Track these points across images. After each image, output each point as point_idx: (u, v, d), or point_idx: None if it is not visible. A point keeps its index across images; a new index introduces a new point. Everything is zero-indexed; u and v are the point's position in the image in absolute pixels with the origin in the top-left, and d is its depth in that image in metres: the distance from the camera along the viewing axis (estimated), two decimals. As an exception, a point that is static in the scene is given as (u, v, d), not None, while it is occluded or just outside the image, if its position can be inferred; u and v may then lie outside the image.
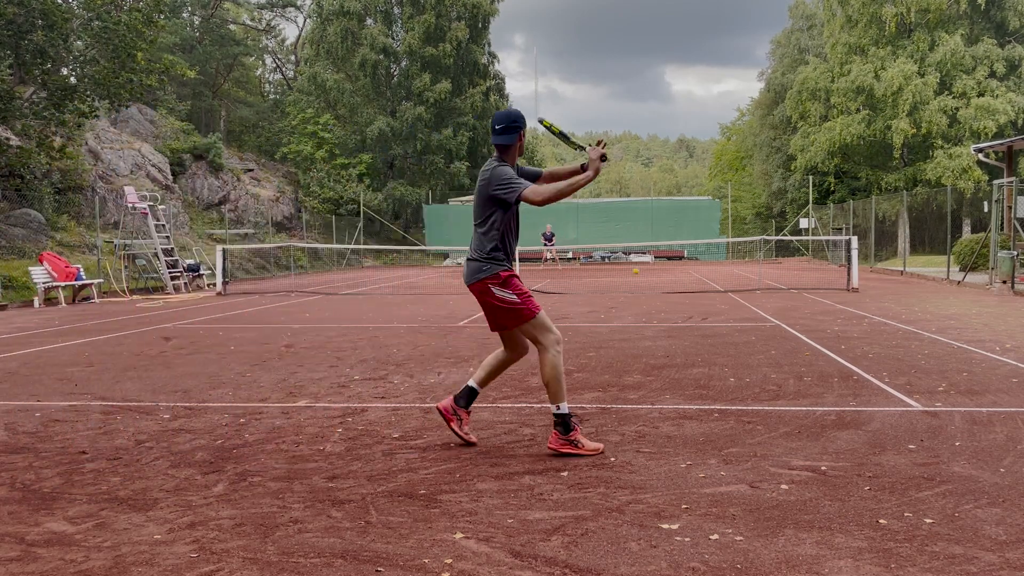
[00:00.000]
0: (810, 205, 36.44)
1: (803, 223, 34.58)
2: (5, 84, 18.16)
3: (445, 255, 39.28)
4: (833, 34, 34.57)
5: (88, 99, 20.14)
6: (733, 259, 38.17)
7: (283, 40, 55.10)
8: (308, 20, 46.94)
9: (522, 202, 4.32)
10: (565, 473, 4.03)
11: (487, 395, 6.03)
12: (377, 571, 2.87)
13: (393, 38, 41.60)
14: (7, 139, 20.84)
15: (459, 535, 3.19)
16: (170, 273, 20.35)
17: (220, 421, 5.33)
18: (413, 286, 21.10)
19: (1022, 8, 31.59)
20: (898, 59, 31.55)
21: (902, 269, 23.47)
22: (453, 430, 4.62)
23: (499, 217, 4.40)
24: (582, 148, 4.46)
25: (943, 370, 6.81)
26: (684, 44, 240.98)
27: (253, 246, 28.85)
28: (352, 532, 3.25)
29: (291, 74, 51.88)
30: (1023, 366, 6.99)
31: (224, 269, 18.88)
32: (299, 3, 48.86)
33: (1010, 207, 16.56)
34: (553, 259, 32.67)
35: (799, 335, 9.32)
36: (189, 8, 45.05)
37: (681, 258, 37.88)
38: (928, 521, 3.27)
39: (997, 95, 30.31)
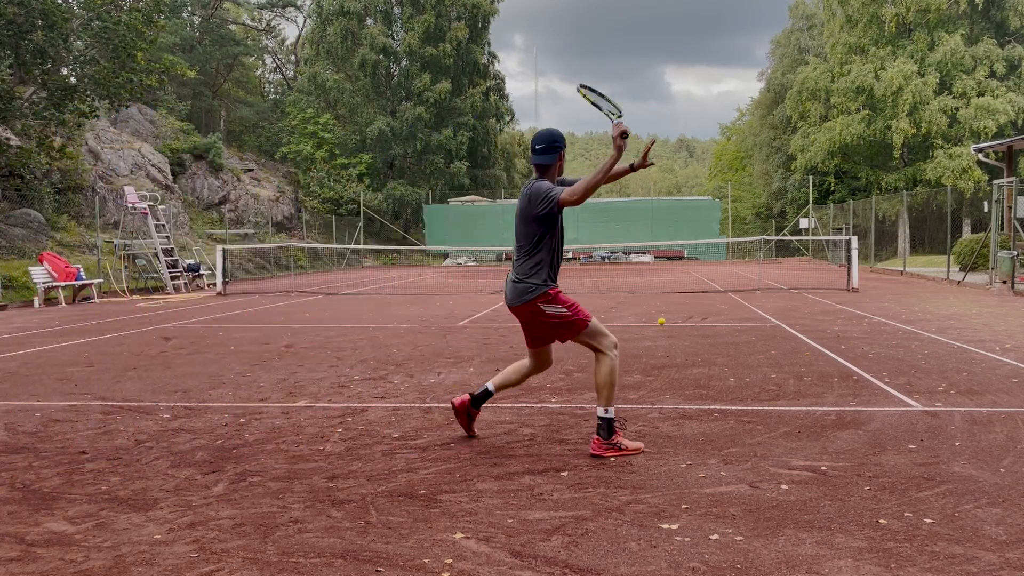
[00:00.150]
0: (810, 205, 36.44)
1: (803, 223, 34.58)
2: (5, 84, 18.16)
3: (445, 255, 39.28)
4: (833, 34, 34.56)
5: (88, 99, 20.14)
6: (733, 259, 38.17)
7: (283, 40, 55.15)
8: (308, 20, 46.97)
9: (565, 208, 4.26)
10: (565, 473, 4.03)
11: (487, 395, 6.03)
12: (377, 571, 2.87)
13: (393, 38, 41.60)
14: (7, 139, 20.83)
15: (459, 535, 3.19)
16: (170, 273, 20.36)
17: (220, 421, 5.33)
18: (413, 286, 21.10)
19: (1022, 8, 31.58)
20: (898, 59, 31.54)
21: (902, 269, 23.47)
22: (462, 424, 4.78)
23: (547, 236, 4.37)
24: (610, 118, 4.29)
25: (943, 370, 6.81)
26: (684, 44, 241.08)
27: (253, 246, 28.85)
28: (352, 532, 3.25)
29: (291, 74, 51.89)
30: (1023, 366, 6.99)
31: (224, 269, 18.87)
32: (299, 3, 48.90)
33: (1010, 207, 16.55)
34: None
35: (799, 335, 9.32)
36: (189, 8, 45.05)
37: (681, 258, 37.88)
38: (928, 521, 3.27)
39: (997, 95, 30.30)
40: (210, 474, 4.11)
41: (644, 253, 36.43)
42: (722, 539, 3.11)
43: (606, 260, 36.03)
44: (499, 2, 43.96)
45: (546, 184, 4.32)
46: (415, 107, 39.57)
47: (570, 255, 35.56)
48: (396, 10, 42.46)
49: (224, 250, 18.95)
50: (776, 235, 35.01)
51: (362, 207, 38.28)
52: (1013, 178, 17.90)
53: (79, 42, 20.37)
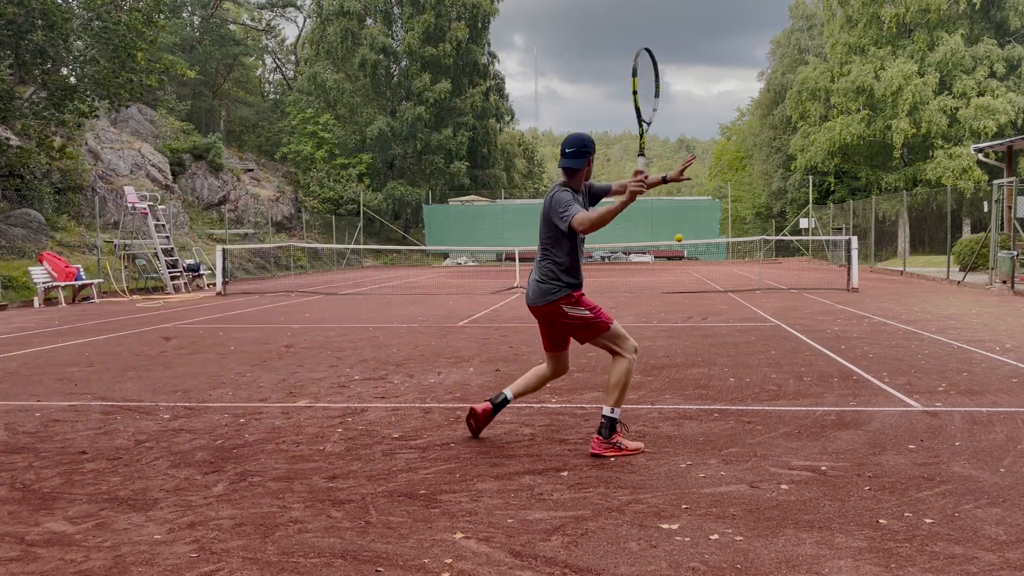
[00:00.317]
0: (810, 205, 36.45)
1: (803, 223, 34.59)
2: (5, 84, 18.16)
3: (445, 255, 39.28)
4: (833, 34, 34.57)
5: (88, 99, 20.14)
6: (733, 259, 38.18)
7: (283, 40, 55.16)
8: (308, 20, 46.97)
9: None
10: (565, 473, 4.03)
11: (487, 395, 6.03)
12: (377, 571, 2.87)
13: (393, 38, 41.61)
14: (7, 139, 20.84)
15: (459, 535, 3.19)
16: (170, 273, 20.35)
17: (220, 421, 5.33)
18: (413, 286, 21.10)
19: (1022, 8, 31.58)
20: (898, 59, 31.55)
21: (902, 269, 23.47)
22: (472, 428, 4.78)
23: (568, 239, 4.38)
24: (641, 154, 4.27)
25: (943, 370, 6.81)
26: (684, 44, 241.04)
27: (253, 246, 28.85)
28: (352, 532, 3.25)
29: (291, 74, 51.89)
30: (1023, 366, 6.99)
31: (224, 269, 18.88)
32: (299, 3, 48.91)
33: (1010, 207, 16.56)
34: None
35: (799, 335, 9.32)
36: (189, 8, 45.05)
37: (681, 258, 37.89)
38: (928, 521, 3.27)
39: (997, 95, 30.30)
40: (210, 474, 4.11)
41: (644, 253, 36.44)
42: (722, 539, 3.11)
43: (606, 260, 36.03)
44: (499, 2, 43.97)
45: (567, 196, 4.30)
46: (415, 107, 39.57)
47: None
48: (396, 10, 42.46)
49: (224, 250, 18.95)
50: (776, 235, 35.02)
51: (362, 207, 38.29)
52: (1013, 178, 17.91)
53: (79, 42, 20.37)
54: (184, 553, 3.05)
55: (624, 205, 4.10)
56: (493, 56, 45.80)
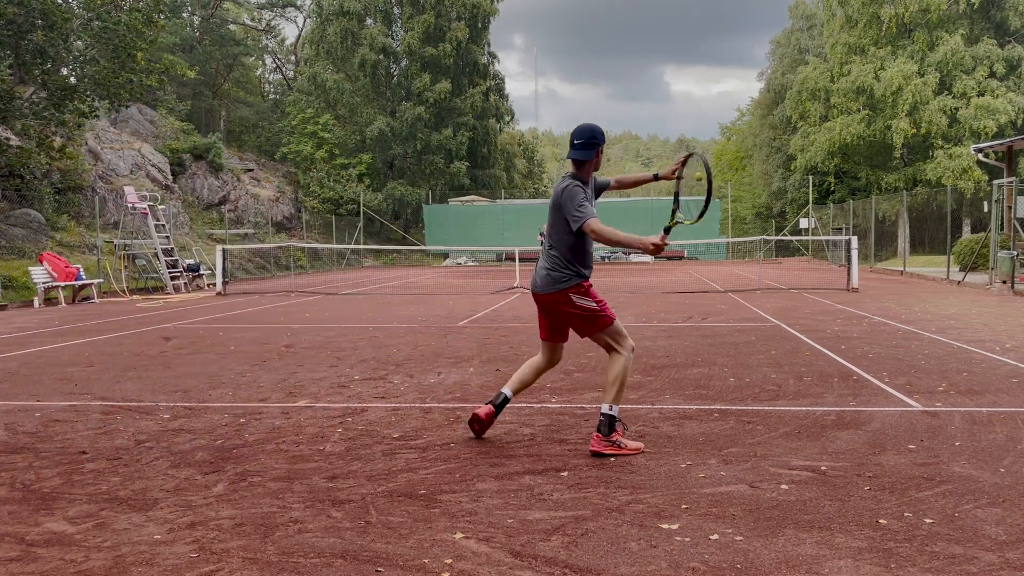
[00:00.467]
0: (810, 205, 36.45)
1: (803, 223, 34.59)
2: (5, 84, 18.16)
3: (445, 255, 39.28)
4: (833, 34, 34.57)
5: (88, 99, 20.14)
6: (733, 259, 38.18)
7: (283, 40, 55.17)
8: (308, 20, 46.98)
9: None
10: (565, 473, 4.03)
11: (487, 395, 6.03)
12: (377, 571, 2.87)
13: (393, 38, 41.61)
14: (7, 139, 20.84)
15: (459, 535, 3.19)
16: (170, 273, 20.36)
17: (220, 421, 5.33)
18: (413, 286, 21.10)
19: (1022, 8, 31.58)
20: (898, 59, 31.55)
21: (902, 269, 23.48)
22: (476, 432, 4.76)
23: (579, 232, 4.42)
24: (666, 231, 4.48)
25: (943, 370, 6.81)
26: (683, 44, 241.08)
27: (253, 246, 28.85)
28: (352, 532, 3.25)
29: (291, 74, 51.90)
30: (1023, 366, 6.99)
31: (224, 269, 18.88)
32: (299, 3, 48.91)
33: (1010, 207, 16.56)
34: None
35: (799, 335, 9.32)
36: (189, 8, 45.05)
37: (681, 258, 37.89)
38: (928, 521, 3.27)
39: (997, 95, 30.30)
40: (210, 474, 4.11)
41: (644, 253, 36.42)
42: (722, 539, 3.11)
43: (606, 260, 36.03)
44: (499, 2, 43.98)
45: (580, 193, 4.32)
46: (415, 107, 39.57)
47: None
48: (396, 10, 42.46)
49: (224, 250, 18.95)
50: (776, 235, 35.02)
51: (362, 207, 38.29)
52: (1013, 178, 17.91)
53: (79, 42, 20.37)
54: (184, 553, 3.05)
55: (638, 244, 4.28)
56: (493, 56, 45.82)
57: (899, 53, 32.07)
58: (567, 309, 4.43)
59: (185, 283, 20.78)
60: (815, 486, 3.74)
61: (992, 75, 31.40)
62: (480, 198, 41.46)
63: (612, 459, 4.25)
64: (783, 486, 3.75)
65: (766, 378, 6.56)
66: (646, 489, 3.74)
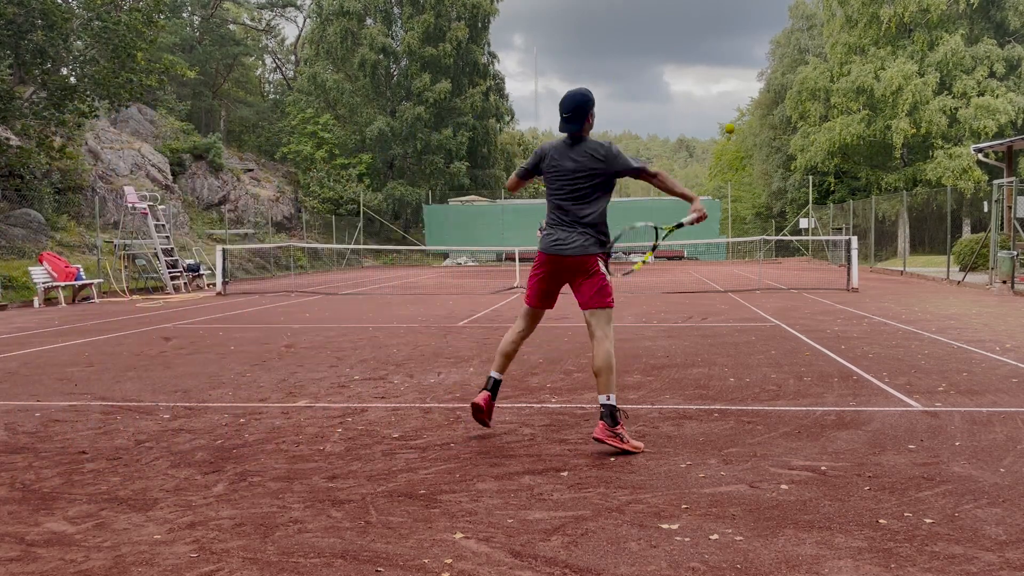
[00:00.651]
0: (810, 205, 36.45)
1: (803, 223, 34.59)
2: (5, 84, 18.16)
3: (445, 255, 39.28)
4: (833, 34, 34.57)
5: (88, 99, 20.14)
6: (733, 259, 38.18)
7: (283, 40, 55.15)
8: (308, 20, 46.97)
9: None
10: (565, 473, 4.03)
11: (487, 395, 6.04)
12: (377, 571, 2.87)
13: (393, 38, 41.61)
14: (7, 139, 20.84)
15: (459, 535, 3.19)
16: (170, 273, 20.36)
17: (220, 421, 5.33)
18: (413, 286, 21.10)
19: (1022, 8, 31.59)
20: (898, 59, 31.54)
21: (902, 269, 23.48)
22: (482, 421, 4.80)
23: (606, 198, 4.61)
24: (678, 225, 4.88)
25: (943, 370, 6.81)
26: (683, 44, 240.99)
27: (253, 246, 28.86)
28: (352, 532, 3.25)
29: (291, 74, 51.90)
30: (1023, 366, 6.99)
31: (224, 269, 18.88)
32: (299, 3, 48.90)
33: (1010, 207, 16.56)
34: None
35: (799, 335, 9.32)
36: (189, 8, 45.05)
37: (681, 258, 37.89)
38: (928, 521, 3.27)
39: (997, 95, 30.31)
40: (210, 474, 4.11)
41: (644, 253, 36.43)
42: (722, 539, 3.11)
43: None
44: (499, 2, 43.98)
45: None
46: (415, 107, 39.57)
47: None
48: (396, 10, 42.46)
49: (224, 250, 18.95)
50: (776, 235, 35.02)
51: (362, 207, 38.29)
52: (1013, 178, 17.91)
53: (79, 42, 20.37)
54: (184, 553, 3.05)
55: (689, 198, 4.74)
56: (493, 56, 45.80)
57: (899, 53, 32.07)
58: (592, 270, 4.51)
59: (185, 283, 20.78)
60: (815, 486, 3.74)
61: (992, 75, 31.40)
62: (480, 198, 41.46)
63: (612, 459, 4.25)
64: (783, 486, 3.75)
65: (766, 378, 6.56)
66: (646, 489, 3.74)
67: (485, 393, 4.76)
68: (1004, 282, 15.25)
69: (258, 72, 54.19)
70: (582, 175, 4.50)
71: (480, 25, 42.82)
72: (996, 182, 17.39)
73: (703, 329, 10.14)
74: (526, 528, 3.26)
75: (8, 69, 18.01)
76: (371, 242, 37.53)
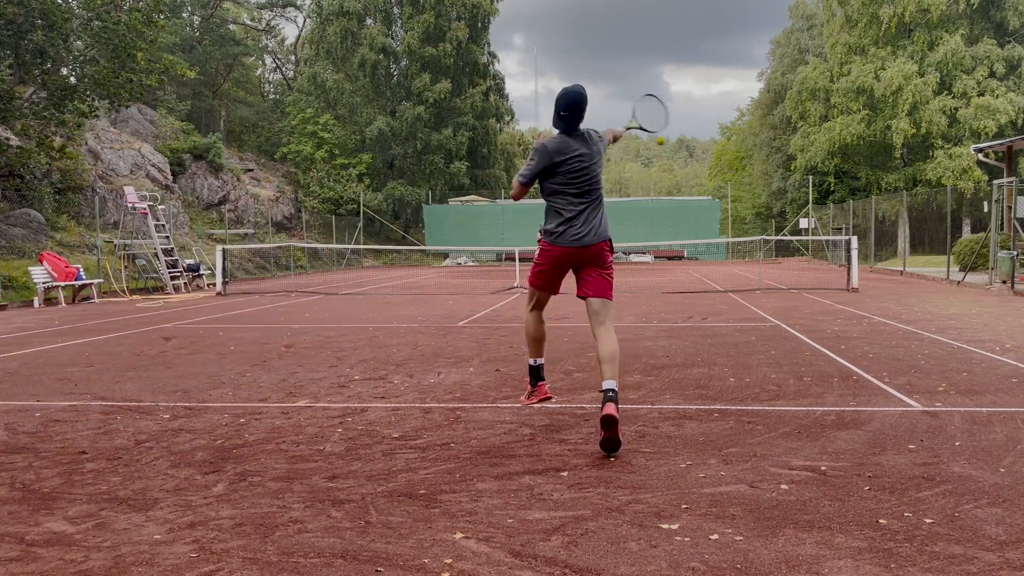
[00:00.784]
0: (810, 205, 36.46)
1: (803, 223, 34.60)
2: (5, 84, 18.16)
3: (445, 255, 39.28)
4: (833, 34, 34.57)
5: (88, 99, 20.14)
6: (733, 259, 38.19)
7: (283, 40, 55.16)
8: (308, 20, 46.97)
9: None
10: (565, 473, 4.03)
11: (487, 395, 6.04)
12: (377, 571, 2.87)
13: (393, 38, 41.61)
14: (7, 139, 20.84)
15: (459, 535, 3.19)
16: (170, 273, 20.36)
17: (220, 421, 5.33)
18: (413, 286, 21.10)
19: (1022, 8, 31.59)
20: (898, 59, 31.54)
21: (902, 269, 23.48)
22: (537, 402, 5.03)
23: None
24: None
25: (943, 370, 6.81)
26: (683, 44, 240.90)
27: (253, 246, 28.86)
28: (352, 532, 3.25)
29: (291, 74, 51.90)
30: (1023, 366, 6.99)
31: (224, 269, 18.88)
32: (299, 3, 48.90)
33: (1010, 207, 16.56)
34: None
35: (799, 335, 9.32)
36: (189, 8, 45.05)
37: (681, 258, 37.90)
38: (928, 521, 3.27)
39: (997, 95, 30.30)
40: (210, 474, 4.11)
41: (644, 253, 36.44)
42: (722, 539, 3.11)
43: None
44: (499, 2, 43.98)
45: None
46: (415, 107, 39.57)
47: None
48: (396, 10, 42.46)
49: (224, 250, 18.95)
50: (776, 235, 35.03)
51: (362, 207, 38.29)
52: (1013, 178, 17.91)
53: (79, 42, 20.37)
54: (184, 553, 3.05)
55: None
56: (493, 56, 45.81)
57: (899, 53, 32.07)
58: (607, 262, 4.67)
59: (185, 283, 20.78)
60: (815, 486, 3.74)
61: (992, 75, 31.41)
62: (480, 198, 41.46)
63: (612, 459, 4.25)
64: (783, 486, 3.75)
65: (766, 378, 6.56)
66: (646, 489, 3.74)
67: (541, 384, 4.99)
68: (1004, 282, 15.25)
69: (258, 72, 54.21)
70: (596, 161, 4.68)
71: (480, 25, 42.82)
72: (996, 182, 17.39)
73: (703, 329, 10.14)
74: (526, 528, 3.26)
75: (8, 69, 18.01)
76: (371, 242, 37.54)
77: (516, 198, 4.91)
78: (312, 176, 38.35)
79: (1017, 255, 15.29)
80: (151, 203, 21.27)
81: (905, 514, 3.35)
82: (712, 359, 7.63)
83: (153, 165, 28.44)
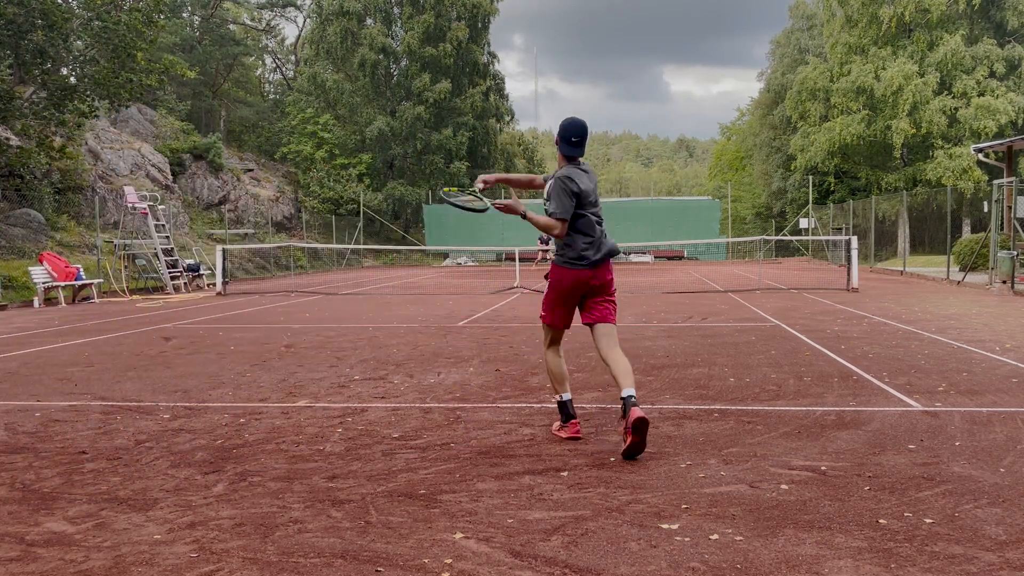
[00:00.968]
0: (810, 205, 36.45)
1: (803, 223, 34.60)
2: (5, 84, 18.16)
3: (445, 255, 39.28)
4: (833, 34, 34.57)
5: (88, 99, 20.14)
6: (733, 259, 38.19)
7: (283, 40, 55.15)
8: (308, 20, 46.98)
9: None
10: (565, 473, 4.03)
11: (487, 395, 6.04)
12: (377, 571, 2.87)
13: (393, 38, 41.61)
14: (7, 139, 20.84)
15: (459, 535, 3.19)
16: (170, 273, 20.36)
17: (220, 421, 5.33)
18: (413, 286, 21.10)
19: (1022, 8, 31.58)
20: (898, 59, 31.54)
21: (902, 269, 23.48)
22: (566, 436, 4.73)
23: None
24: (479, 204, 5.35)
25: (943, 370, 6.81)
26: (683, 44, 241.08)
27: (253, 246, 28.86)
28: (352, 532, 3.25)
29: (291, 74, 51.89)
30: (1023, 366, 6.99)
31: (224, 269, 18.88)
32: (299, 3, 48.90)
33: (1010, 207, 16.55)
34: (547, 260, 32.67)
35: (799, 335, 9.32)
36: (189, 8, 45.04)
37: (681, 258, 37.90)
38: (928, 521, 3.27)
39: (997, 95, 30.30)
40: (210, 474, 4.11)
41: (644, 253, 36.45)
42: (722, 539, 3.11)
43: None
44: (499, 2, 43.97)
45: None
46: (415, 107, 39.57)
47: None
48: (396, 10, 42.45)
49: (224, 250, 18.95)
50: (776, 235, 35.03)
51: (362, 207, 38.29)
52: (1013, 178, 17.90)
53: (79, 42, 20.37)
54: (184, 553, 3.05)
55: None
56: (493, 56, 45.80)
57: (899, 53, 32.06)
58: (612, 290, 4.75)
59: (185, 283, 20.78)
60: (815, 486, 3.74)
61: (992, 75, 31.40)
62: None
63: (612, 459, 4.25)
64: (783, 486, 3.75)
65: (766, 378, 6.56)
66: (646, 489, 3.74)
67: (575, 422, 4.72)
68: (1004, 282, 15.25)
69: (258, 72, 54.20)
70: (594, 190, 4.81)
71: (480, 25, 42.82)
72: (996, 182, 17.39)
73: (703, 329, 10.14)
74: (526, 528, 3.26)
75: (8, 69, 18.01)
76: (371, 242, 37.54)
77: (562, 236, 4.74)
78: (312, 176, 38.35)
79: (1017, 255, 15.29)
80: (151, 203, 21.27)
81: (905, 514, 3.35)
82: (712, 359, 7.63)
83: (153, 165, 28.44)
